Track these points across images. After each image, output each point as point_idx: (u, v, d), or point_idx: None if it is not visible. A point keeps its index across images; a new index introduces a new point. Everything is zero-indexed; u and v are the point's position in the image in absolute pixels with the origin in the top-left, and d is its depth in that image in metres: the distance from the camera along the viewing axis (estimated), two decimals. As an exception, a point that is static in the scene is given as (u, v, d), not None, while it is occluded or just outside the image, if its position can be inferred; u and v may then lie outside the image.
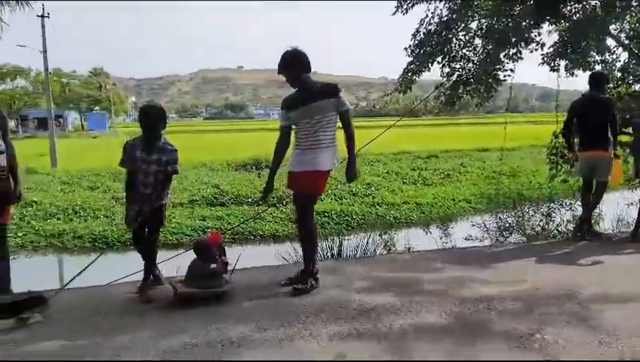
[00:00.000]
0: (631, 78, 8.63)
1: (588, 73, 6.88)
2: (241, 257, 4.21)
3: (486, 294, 3.92)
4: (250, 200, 13.47)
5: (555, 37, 8.56)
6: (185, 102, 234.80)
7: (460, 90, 8.55)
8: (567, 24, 8.31)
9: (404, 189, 15.39)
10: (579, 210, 7.27)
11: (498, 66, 8.25)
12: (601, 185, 5.76)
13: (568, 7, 8.26)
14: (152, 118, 4.05)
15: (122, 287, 4.39)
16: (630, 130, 6.23)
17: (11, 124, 44.64)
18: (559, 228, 7.01)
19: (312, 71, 4.16)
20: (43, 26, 25.58)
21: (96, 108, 67.30)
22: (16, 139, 25.28)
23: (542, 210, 7.69)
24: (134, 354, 3.01)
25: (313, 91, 4.07)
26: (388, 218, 12.27)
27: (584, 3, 8.20)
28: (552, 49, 8.19)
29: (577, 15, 8.24)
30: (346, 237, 6.86)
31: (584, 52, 8.04)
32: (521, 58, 8.17)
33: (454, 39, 8.53)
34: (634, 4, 8.10)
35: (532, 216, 7.68)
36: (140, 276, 4.27)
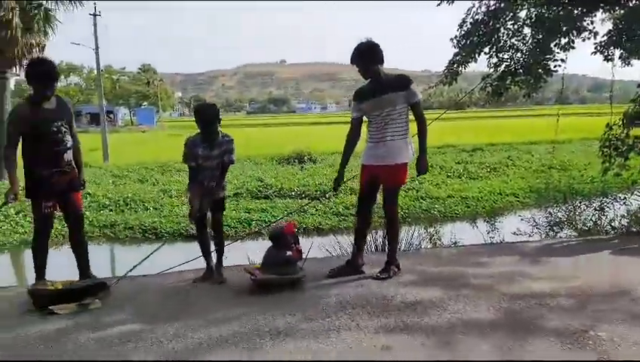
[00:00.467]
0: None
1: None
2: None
3: (537, 290, 3.84)
4: (293, 193, 13.58)
5: (609, 25, 8.21)
6: (229, 97, 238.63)
7: (508, 81, 8.30)
8: (622, 11, 7.96)
9: (449, 183, 15.11)
10: (634, 205, 6.98)
11: (548, 56, 7.98)
12: None
13: (623, -7, 7.91)
14: (209, 117, 4.25)
15: (172, 276, 4.54)
16: None
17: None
18: (612, 224, 6.73)
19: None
20: (95, 25, 26.56)
21: (145, 103, 69.34)
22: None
23: (594, 205, 7.40)
24: (185, 341, 3.11)
25: (384, 83, 4.10)
26: (432, 211, 12.11)
27: (641, -12, 7.83)
28: (605, 37, 7.86)
29: (633, 1, 7.88)
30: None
31: (641, 40, 7.68)
32: (573, 47, 7.86)
33: (502, 29, 8.28)
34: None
35: (584, 210, 7.40)
36: (189, 266, 4.41)
